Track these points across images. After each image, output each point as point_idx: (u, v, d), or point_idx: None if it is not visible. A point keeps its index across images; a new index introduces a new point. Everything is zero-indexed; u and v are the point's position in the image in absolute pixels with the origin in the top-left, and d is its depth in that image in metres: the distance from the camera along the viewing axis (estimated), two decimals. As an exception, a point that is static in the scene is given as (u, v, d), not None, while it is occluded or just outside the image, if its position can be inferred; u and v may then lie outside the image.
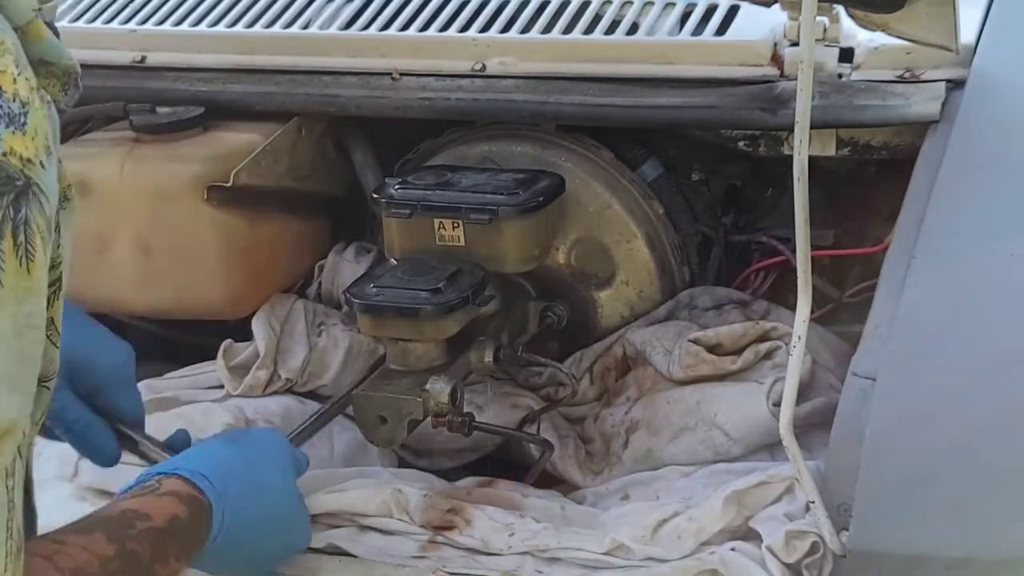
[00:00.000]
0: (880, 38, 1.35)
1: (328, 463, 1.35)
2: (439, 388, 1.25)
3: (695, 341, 1.34)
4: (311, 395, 1.45)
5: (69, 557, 0.92)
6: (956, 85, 1.34)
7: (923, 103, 1.32)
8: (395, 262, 1.36)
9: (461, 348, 1.32)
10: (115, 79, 1.55)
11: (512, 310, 1.41)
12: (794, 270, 1.12)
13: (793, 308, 1.11)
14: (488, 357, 1.34)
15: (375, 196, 1.37)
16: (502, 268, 1.35)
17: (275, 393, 1.43)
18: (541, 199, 1.34)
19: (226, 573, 1.15)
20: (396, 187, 1.36)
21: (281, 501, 1.16)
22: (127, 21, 1.62)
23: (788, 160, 1.09)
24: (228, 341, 1.44)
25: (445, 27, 1.51)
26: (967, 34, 1.34)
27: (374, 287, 1.29)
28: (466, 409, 1.35)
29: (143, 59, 1.57)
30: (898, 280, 1.17)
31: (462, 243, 1.33)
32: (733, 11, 1.46)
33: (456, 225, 1.33)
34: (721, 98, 1.37)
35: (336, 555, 1.23)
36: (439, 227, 1.33)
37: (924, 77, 1.35)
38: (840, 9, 1.35)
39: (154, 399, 1.41)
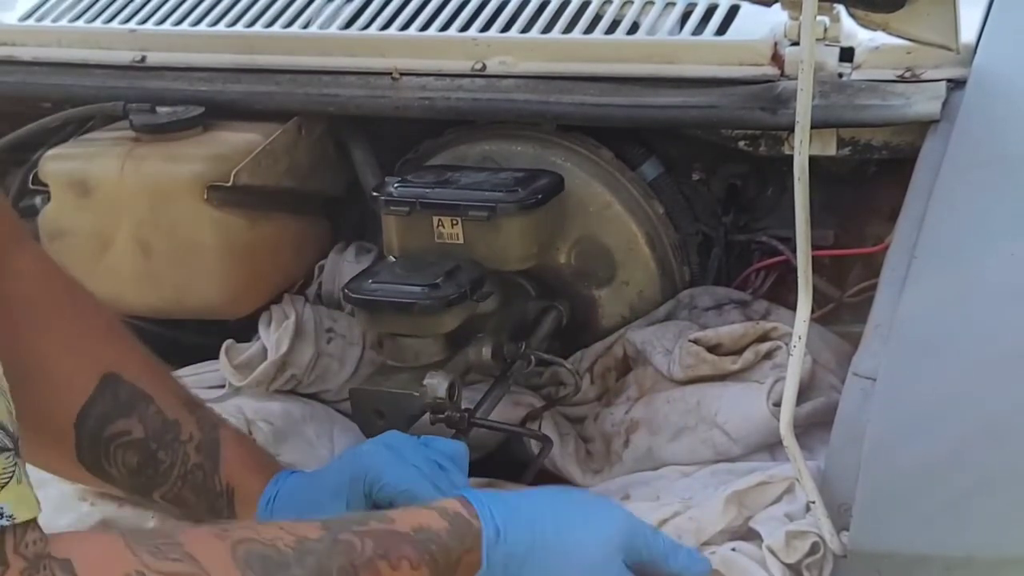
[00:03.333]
0: (881, 37, 1.35)
1: (325, 459, 1.35)
2: (436, 383, 1.25)
3: (695, 341, 1.33)
4: (314, 397, 1.45)
5: (250, 530, 0.86)
6: (957, 84, 1.33)
7: (924, 102, 1.32)
8: (393, 259, 1.36)
9: (459, 345, 1.32)
10: (115, 79, 1.55)
11: (511, 310, 1.41)
12: (794, 270, 1.12)
13: (793, 308, 1.11)
14: (487, 354, 1.34)
15: (374, 194, 1.37)
16: (501, 266, 1.35)
17: (279, 392, 1.42)
18: (540, 196, 1.34)
19: None
20: (395, 185, 1.36)
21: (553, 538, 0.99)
22: (127, 21, 1.62)
23: (788, 160, 1.09)
24: (230, 341, 1.44)
25: (445, 27, 1.51)
26: (968, 33, 1.34)
27: (372, 283, 1.29)
28: (468, 408, 1.36)
29: (143, 59, 1.57)
30: (899, 280, 1.17)
31: (461, 240, 1.33)
32: (733, 11, 1.46)
33: (455, 222, 1.33)
34: (721, 98, 1.37)
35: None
36: (438, 224, 1.33)
37: (925, 76, 1.35)
38: (841, 8, 1.34)
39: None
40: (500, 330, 1.38)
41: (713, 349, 1.34)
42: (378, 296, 1.27)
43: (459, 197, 1.33)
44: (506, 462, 1.41)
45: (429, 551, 0.93)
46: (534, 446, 1.37)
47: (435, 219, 1.33)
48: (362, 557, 0.89)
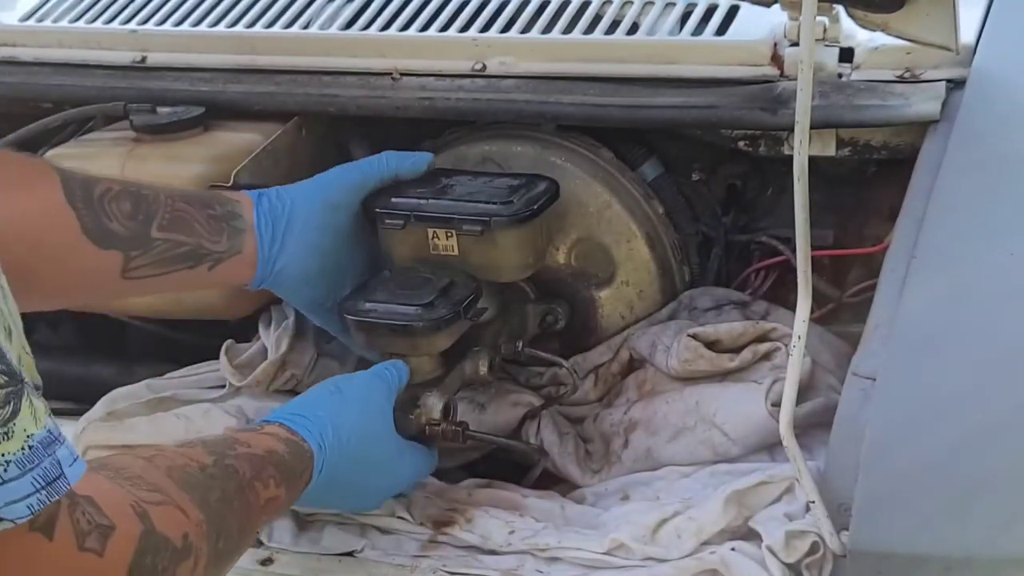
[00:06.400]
0: (880, 38, 1.35)
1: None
2: (431, 404, 1.26)
3: (694, 336, 1.34)
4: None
5: (166, 458, 0.95)
6: (956, 85, 1.34)
7: (923, 103, 1.32)
8: (388, 274, 1.34)
9: (456, 359, 1.32)
10: (115, 79, 1.55)
11: (510, 314, 1.41)
12: (794, 270, 1.12)
13: (793, 308, 1.11)
14: (484, 368, 1.34)
15: (368, 205, 1.35)
16: (497, 277, 1.35)
17: (279, 391, 1.42)
18: (535, 207, 1.33)
19: (317, 508, 1.23)
20: (389, 196, 1.35)
21: (380, 445, 1.20)
22: (127, 21, 1.62)
23: (788, 160, 1.09)
24: (230, 341, 1.44)
25: (445, 27, 1.51)
26: (967, 34, 1.34)
27: (367, 303, 1.28)
28: (467, 407, 1.36)
29: (143, 59, 1.57)
30: (898, 280, 1.17)
31: (456, 252, 1.32)
32: (733, 11, 1.46)
33: (449, 235, 1.32)
34: (721, 98, 1.37)
35: (336, 555, 1.23)
36: (433, 236, 1.32)
37: (924, 77, 1.35)
38: (840, 9, 1.35)
39: (154, 399, 1.41)
40: (497, 338, 1.38)
41: (711, 345, 1.34)
42: (373, 317, 1.27)
43: (454, 210, 1.32)
44: (506, 462, 1.41)
45: (282, 470, 1.08)
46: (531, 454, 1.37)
47: (430, 231, 1.32)
48: (244, 479, 1.02)
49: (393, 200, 1.34)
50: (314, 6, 1.60)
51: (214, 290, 1.43)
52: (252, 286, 1.31)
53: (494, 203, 1.32)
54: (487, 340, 1.37)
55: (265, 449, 1.07)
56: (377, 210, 1.34)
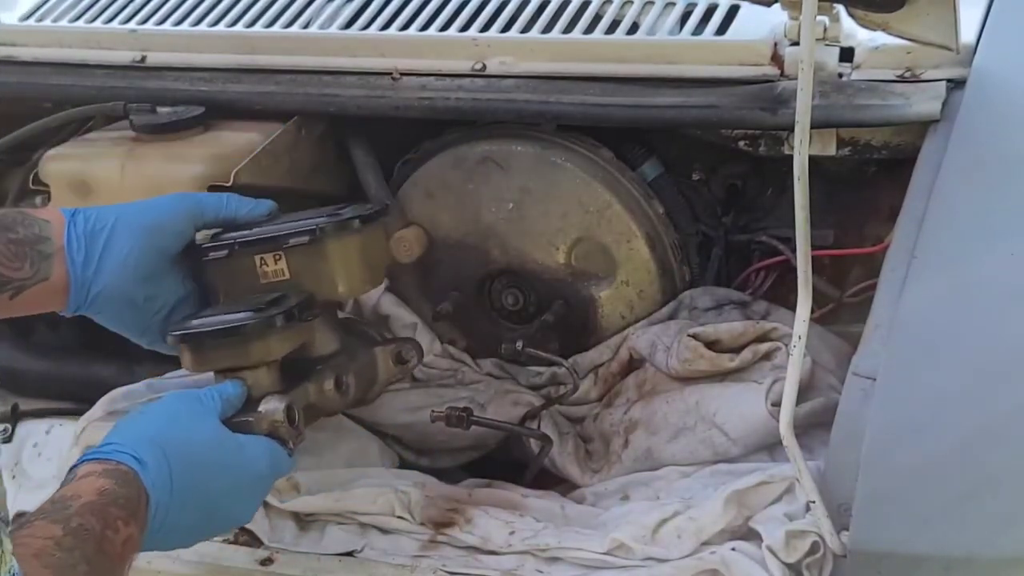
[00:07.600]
0: (880, 37, 1.35)
1: (329, 465, 1.35)
2: (272, 407, 1.17)
3: (694, 336, 1.34)
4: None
5: (26, 546, 0.91)
6: (957, 84, 1.34)
7: (924, 102, 1.32)
8: (219, 303, 1.27)
9: (297, 379, 1.23)
10: (115, 79, 1.55)
11: (355, 354, 1.31)
12: (794, 270, 1.12)
13: (793, 308, 1.11)
14: (329, 385, 1.25)
15: (192, 247, 1.27)
16: (334, 295, 1.27)
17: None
18: (363, 215, 1.27)
19: (194, 538, 1.12)
20: (212, 234, 1.28)
21: (209, 446, 1.11)
22: (127, 21, 1.62)
23: (788, 160, 1.09)
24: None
25: (445, 27, 1.51)
26: (967, 33, 1.34)
27: (194, 320, 1.21)
28: (467, 407, 1.35)
29: (143, 59, 1.57)
30: (898, 280, 1.17)
31: (287, 276, 1.25)
32: (733, 11, 1.46)
33: (278, 257, 1.24)
34: (721, 98, 1.37)
35: (336, 555, 1.23)
36: (261, 264, 1.25)
37: (924, 76, 1.35)
38: (840, 8, 1.35)
39: (154, 399, 1.41)
40: (344, 371, 1.28)
41: (712, 345, 1.34)
42: (201, 328, 1.19)
43: (279, 230, 1.26)
44: (506, 462, 1.41)
45: (123, 506, 1.01)
46: (534, 445, 1.37)
47: (257, 259, 1.25)
48: (97, 533, 0.97)
49: (216, 235, 1.27)
50: (314, 6, 1.60)
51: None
52: (67, 312, 1.22)
53: (321, 217, 1.26)
54: (330, 367, 1.28)
55: (96, 492, 1.01)
56: (201, 246, 1.26)
